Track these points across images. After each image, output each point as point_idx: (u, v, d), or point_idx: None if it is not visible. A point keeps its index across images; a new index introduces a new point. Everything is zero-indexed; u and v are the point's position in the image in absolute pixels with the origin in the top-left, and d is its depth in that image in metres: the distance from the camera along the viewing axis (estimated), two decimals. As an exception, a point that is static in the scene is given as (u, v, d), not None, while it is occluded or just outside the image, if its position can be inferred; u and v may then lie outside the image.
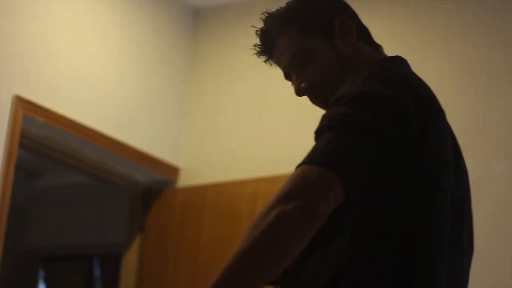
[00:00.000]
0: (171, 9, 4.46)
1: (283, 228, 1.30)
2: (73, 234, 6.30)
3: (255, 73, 4.08)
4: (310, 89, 1.66)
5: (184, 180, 4.33)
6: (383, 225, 1.43)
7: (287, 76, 1.72)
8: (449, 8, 3.96)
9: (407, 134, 1.43)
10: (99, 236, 6.21)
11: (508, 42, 3.79)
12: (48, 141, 3.82)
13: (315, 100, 1.67)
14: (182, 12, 4.53)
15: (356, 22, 1.71)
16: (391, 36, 3.92)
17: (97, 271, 6.51)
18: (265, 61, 1.75)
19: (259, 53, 1.73)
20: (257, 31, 1.72)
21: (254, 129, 4.24)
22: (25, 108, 3.51)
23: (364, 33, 1.71)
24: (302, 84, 1.67)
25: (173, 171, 4.33)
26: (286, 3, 1.73)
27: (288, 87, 1.75)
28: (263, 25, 1.72)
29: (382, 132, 1.40)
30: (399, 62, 1.67)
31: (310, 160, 1.37)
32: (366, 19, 1.75)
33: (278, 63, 1.72)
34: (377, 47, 1.72)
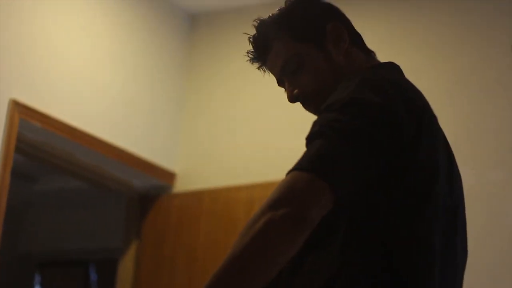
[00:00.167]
0: (168, 14, 4.46)
1: (272, 235, 1.30)
2: (69, 239, 6.29)
3: (251, 79, 4.08)
4: (303, 95, 1.66)
5: (181, 186, 4.33)
6: (376, 231, 1.43)
7: (280, 83, 1.72)
8: (443, 19, 3.98)
9: (399, 140, 1.43)
10: (96, 241, 6.21)
11: (501, 52, 3.80)
12: (44, 145, 3.81)
13: (308, 107, 1.67)
14: (178, 18, 4.53)
15: (349, 28, 1.71)
16: (385, 45, 3.92)
17: (93, 276, 6.50)
18: (258, 68, 1.75)
19: (252, 60, 1.73)
20: (249, 38, 1.73)
21: (250, 135, 4.24)
22: (21, 113, 3.51)
23: (356, 39, 1.71)
24: (295, 91, 1.67)
25: (170, 176, 4.33)
26: (278, 9, 1.73)
27: (284, 93, 1.75)
28: (255, 32, 1.72)
29: (372, 139, 1.40)
30: (392, 68, 1.67)
31: (300, 166, 1.37)
32: (360, 28, 1.75)
33: (271, 70, 1.72)
34: (370, 53, 1.72)
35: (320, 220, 1.40)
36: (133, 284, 4.30)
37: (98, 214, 6.12)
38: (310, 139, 1.42)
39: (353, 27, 1.73)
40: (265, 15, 1.74)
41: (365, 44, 1.72)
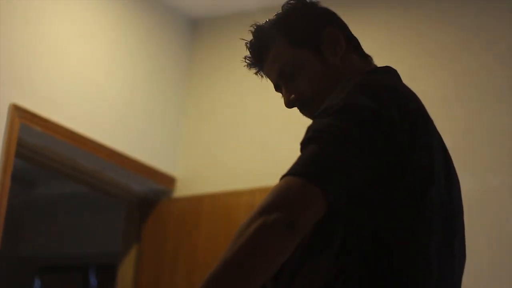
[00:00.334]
0: (169, 19, 4.47)
1: (264, 239, 1.30)
2: (69, 243, 6.29)
3: (252, 84, 4.07)
4: (300, 101, 1.67)
5: (181, 190, 4.33)
6: (372, 233, 1.43)
7: (277, 88, 1.73)
8: (446, 23, 3.98)
9: (393, 145, 1.43)
10: (96, 246, 6.20)
11: (500, 58, 3.81)
12: (44, 150, 3.81)
13: (305, 112, 1.68)
14: (180, 22, 4.53)
15: (345, 32, 1.71)
16: (384, 51, 3.93)
17: (93, 281, 6.49)
18: (256, 73, 1.75)
19: (250, 66, 1.74)
20: (246, 43, 1.73)
21: (250, 140, 4.24)
22: (21, 117, 3.51)
23: (353, 43, 1.71)
24: (291, 96, 1.67)
25: (170, 181, 4.33)
26: (275, 15, 1.73)
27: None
28: (252, 38, 1.73)
29: (365, 144, 1.41)
30: (388, 72, 1.67)
31: (292, 171, 1.37)
32: (360, 35, 1.75)
33: (268, 75, 1.73)
34: (367, 58, 1.72)
35: (318, 224, 1.41)
36: (133, 288, 4.30)
37: (98, 218, 6.11)
38: (303, 145, 1.43)
39: (350, 32, 1.73)
40: (258, 22, 1.74)
41: (362, 49, 1.73)
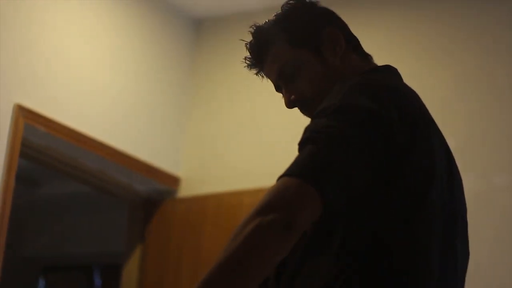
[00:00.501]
0: (173, 19, 4.47)
1: (260, 240, 1.30)
2: (74, 243, 6.29)
3: (255, 84, 4.08)
4: (300, 101, 1.67)
5: (185, 190, 4.33)
6: (371, 237, 1.43)
7: (278, 88, 1.73)
8: (451, 20, 3.98)
9: (392, 146, 1.43)
10: (100, 246, 6.20)
11: (503, 58, 3.80)
12: (48, 150, 3.82)
13: (305, 112, 1.68)
14: (183, 23, 4.53)
15: (345, 32, 1.71)
16: (391, 48, 3.94)
17: (97, 281, 6.50)
18: (256, 74, 1.75)
19: (250, 66, 1.75)
20: (246, 44, 1.74)
21: (255, 139, 4.23)
22: (26, 117, 3.51)
23: (353, 43, 1.71)
24: (292, 97, 1.68)
25: (174, 181, 4.33)
26: (275, 15, 1.73)
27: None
28: (252, 38, 1.73)
29: (363, 145, 1.40)
30: (388, 71, 1.67)
31: (290, 172, 1.37)
32: (360, 35, 1.75)
33: (269, 76, 1.73)
34: (367, 57, 1.72)
35: (319, 225, 1.41)
36: (137, 288, 4.30)
37: (102, 218, 6.12)
38: (301, 145, 1.43)
39: (349, 31, 1.73)
40: (266, 20, 1.74)
41: (362, 48, 1.72)
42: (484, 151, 3.70)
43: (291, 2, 1.73)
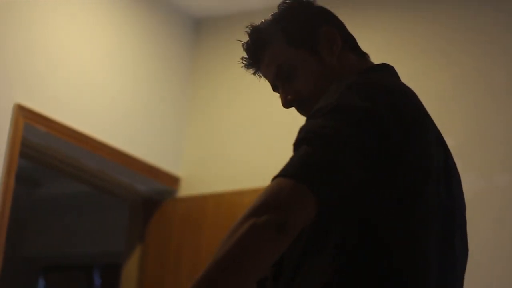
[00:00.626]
0: (172, 19, 4.47)
1: (254, 240, 1.30)
2: (73, 243, 6.29)
3: (256, 83, 4.08)
4: (297, 101, 1.67)
5: (185, 190, 4.33)
6: (365, 237, 1.42)
7: (275, 88, 1.73)
8: (449, 21, 3.98)
9: (387, 145, 1.42)
10: (100, 246, 6.20)
11: (508, 54, 3.80)
12: (48, 150, 3.82)
13: (302, 112, 1.67)
14: (183, 22, 4.53)
15: (341, 30, 1.71)
16: (388, 49, 3.94)
17: (97, 281, 6.50)
18: (253, 74, 1.75)
19: (247, 67, 1.75)
20: (243, 44, 1.74)
21: (254, 139, 4.23)
22: (26, 117, 3.51)
23: (349, 41, 1.71)
24: (288, 97, 1.67)
25: (174, 180, 4.33)
26: (271, 15, 1.73)
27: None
28: (248, 39, 1.73)
29: (358, 145, 1.40)
30: (385, 70, 1.66)
31: (284, 173, 1.37)
32: (357, 36, 1.75)
33: (265, 76, 1.73)
34: (364, 55, 1.71)
35: (316, 224, 1.41)
36: (137, 288, 4.30)
37: (102, 218, 6.12)
38: (296, 145, 1.42)
39: (346, 30, 1.73)
40: (262, 20, 1.74)
41: (358, 47, 1.72)
42: (483, 151, 3.70)
43: (287, 1, 1.73)
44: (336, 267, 1.41)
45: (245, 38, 1.75)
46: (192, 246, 4.19)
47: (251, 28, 1.73)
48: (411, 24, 4.06)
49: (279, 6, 1.73)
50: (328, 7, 1.75)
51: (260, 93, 4.27)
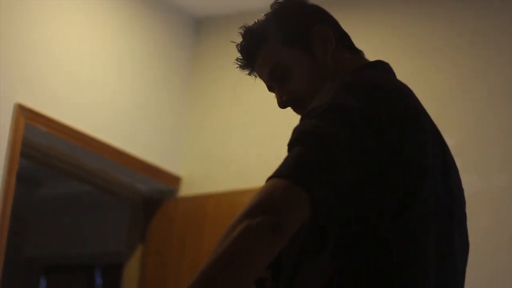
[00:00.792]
0: (173, 19, 4.47)
1: (249, 242, 1.29)
2: (75, 243, 6.29)
3: (256, 83, 4.08)
4: (292, 101, 1.67)
5: (186, 189, 4.33)
6: (364, 236, 1.42)
7: (270, 88, 1.73)
8: (447, 23, 3.98)
9: (382, 144, 1.42)
10: (101, 246, 6.20)
11: (505, 56, 3.81)
12: (49, 149, 3.82)
13: (298, 111, 1.67)
14: (183, 22, 4.53)
15: (335, 28, 1.70)
16: (386, 50, 3.93)
17: (98, 281, 6.49)
18: (248, 74, 1.75)
19: (241, 67, 1.74)
20: (237, 45, 1.74)
21: (255, 139, 4.23)
22: (26, 117, 3.51)
23: (344, 39, 1.71)
24: (284, 97, 1.68)
25: (175, 180, 4.32)
26: (264, 15, 1.73)
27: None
28: (242, 40, 1.73)
29: (352, 144, 1.39)
30: (379, 68, 1.66)
31: (278, 173, 1.37)
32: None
33: (260, 76, 1.73)
34: (358, 53, 1.71)
35: (314, 225, 1.41)
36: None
37: (103, 218, 6.12)
38: (290, 146, 1.42)
39: (340, 27, 1.72)
40: (255, 21, 1.73)
41: (353, 44, 1.72)
42: (481, 152, 3.70)
43: (280, 1, 1.73)
44: (336, 267, 1.41)
45: (233, 41, 1.76)
46: (193, 246, 4.19)
47: (244, 28, 1.73)
48: (409, 25, 4.06)
49: (272, 5, 1.73)
50: (326, 7, 1.75)
51: (261, 92, 4.26)
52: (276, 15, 1.71)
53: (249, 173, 4.16)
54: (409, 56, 3.96)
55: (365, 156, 1.40)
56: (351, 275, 1.40)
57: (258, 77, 1.75)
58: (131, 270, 4.36)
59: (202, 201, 4.24)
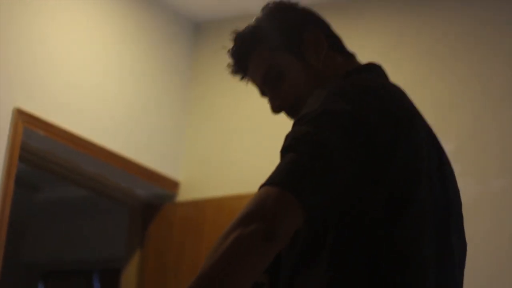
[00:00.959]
0: (172, 22, 4.47)
1: (242, 251, 1.29)
2: (73, 248, 6.28)
3: (254, 88, 4.09)
4: (285, 106, 1.67)
5: (184, 194, 4.33)
6: (359, 244, 1.42)
7: (263, 94, 1.73)
8: (448, 28, 3.99)
9: (374, 149, 1.41)
10: (99, 251, 6.20)
11: (505, 62, 3.81)
12: (48, 154, 3.81)
13: (292, 116, 1.67)
14: (182, 26, 4.54)
15: (326, 32, 1.70)
16: (388, 55, 3.93)
17: (96, 286, 6.49)
18: (241, 79, 1.75)
19: (233, 73, 1.74)
20: (228, 51, 1.73)
21: (254, 143, 4.23)
22: (25, 121, 3.51)
23: (335, 42, 1.70)
24: (277, 102, 1.68)
25: (174, 185, 4.32)
26: (255, 20, 1.72)
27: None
28: (233, 45, 1.72)
29: (344, 150, 1.38)
30: (372, 70, 1.65)
31: (269, 181, 1.37)
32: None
33: (253, 82, 1.73)
34: (350, 56, 1.70)
35: (310, 232, 1.41)
36: (136, 293, 4.29)
37: (101, 223, 6.11)
38: (282, 153, 1.42)
39: (331, 30, 1.72)
40: (246, 26, 1.73)
41: (344, 47, 1.71)
42: (479, 157, 3.71)
43: (270, 5, 1.72)
44: (332, 274, 1.40)
45: (224, 46, 1.75)
46: (192, 251, 4.18)
47: (235, 34, 1.72)
48: (409, 31, 4.06)
49: (262, 10, 1.73)
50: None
51: (260, 98, 4.28)
52: (266, 20, 1.71)
53: (248, 178, 4.15)
54: (408, 61, 3.97)
55: (357, 161, 1.39)
56: (349, 280, 1.40)
57: (250, 82, 1.75)
58: (130, 275, 4.35)
59: (200, 206, 4.23)
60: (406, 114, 1.50)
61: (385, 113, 1.44)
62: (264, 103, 4.77)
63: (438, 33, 4.00)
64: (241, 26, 1.75)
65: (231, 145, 4.32)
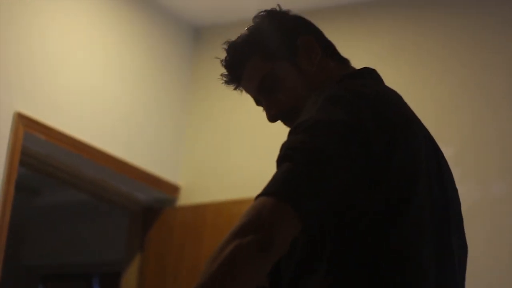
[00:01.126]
0: (171, 28, 4.47)
1: (239, 261, 1.29)
2: (73, 252, 6.28)
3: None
4: (281, 114, 1.67)
5: (184, 199, 4.33)
6: (359, 249, 1.42)
7: (258, 103, 1.73)
8: (447, 31, 3.99)
9: (371, 155, 1.41)
10: (99, 255, 6.19)
11: (505, 65, 3.82)
12: (48, 158, 3.82)
13: (288, 124, 1.66)
14: (182, 31, 4.54)
15: (319, 38, 1.70)
16: (388, 58, 3.94)
17: (96, 289, 6.49)
18: (234, 89, 1.75)
19: (227, 83, 1.74)
20: (221, 61, 1.73)
21: (254, 148, 4.23)
22: (25, 125, 3.52)
23: (329, 48, 1.70)
24: (272, 111, 1.68)
25: (174, 189, 4.32)
26: (247, 28, 1.72)
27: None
28: (226, 55, 1.71)
29: (340, 157, 1.39)
30: (366, 76, 1.65)
31: (266, 191, 1.37)
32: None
33: (247, 91, 1.73)
34: (343, 61, 1.71)
35: (309, 238, 1.42)
36: (136, 297, 4.29)
37: (101, 227, 6.11)
38: (278, 163, 1.42)
39: (324, 36, 1.72)
40: (238, 35, 1.72)
41: (338, 52, 1.71)
42: (480, 161, 3.71)
43: (262, 14, 1.72)
44: (331, 281, 1.41)
45: (218, 57, 1.75)
46: (191, 255, 4.18)
47: (228, 44, 1.72)
48: (410, 34, 4.06)
49: (254, 18, 1.72)
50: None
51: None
52: (259, 28, 1.70)
53: (248, 182, 4.15)
54: (408, 65, 3.97)
55: (354, 168, 1.40)
56: (349, 281, 1.41)
57: (244, 92, 1.75)
58: (130, 279, 4.35)
59: (201, 210, 4.24)
60: (402, 118, 1.50)
61: (380, 118, 1.44)
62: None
63: (438, 36, 4.01)
64: (241, 31, 1.75)
65: (231, 150, 4.32)
